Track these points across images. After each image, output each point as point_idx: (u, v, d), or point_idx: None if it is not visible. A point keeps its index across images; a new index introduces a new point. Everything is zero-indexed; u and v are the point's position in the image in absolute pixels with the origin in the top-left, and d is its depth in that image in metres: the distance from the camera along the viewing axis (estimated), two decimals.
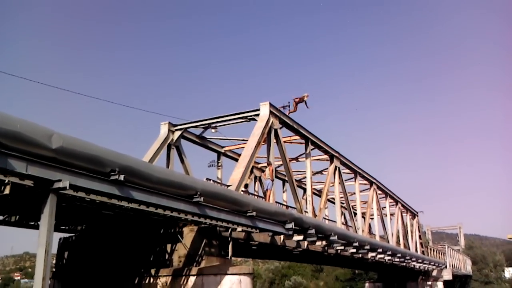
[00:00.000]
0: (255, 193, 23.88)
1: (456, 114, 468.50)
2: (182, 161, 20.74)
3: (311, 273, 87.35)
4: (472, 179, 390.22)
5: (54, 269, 15.74)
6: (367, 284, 51.46)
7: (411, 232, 41.63)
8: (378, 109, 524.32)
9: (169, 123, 20.05)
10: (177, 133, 20.29)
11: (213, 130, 20.35)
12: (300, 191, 25.42)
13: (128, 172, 8.49)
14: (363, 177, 29.90)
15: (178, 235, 13.27)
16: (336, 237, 18.93)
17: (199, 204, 10.52)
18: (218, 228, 13.53)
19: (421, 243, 44.04)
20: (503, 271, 71.67)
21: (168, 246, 13.68)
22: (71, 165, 7.61)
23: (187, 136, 21.11)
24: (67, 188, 7.27)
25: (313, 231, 16.44)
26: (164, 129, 19.99)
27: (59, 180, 7.25)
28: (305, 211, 21.31)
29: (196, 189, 10.30)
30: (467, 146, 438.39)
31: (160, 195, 9.53)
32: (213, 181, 15.75)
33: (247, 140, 17.87)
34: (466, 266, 65.45)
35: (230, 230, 13.71)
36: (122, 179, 8.30)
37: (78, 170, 7.74)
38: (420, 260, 38.41)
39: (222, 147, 23.72)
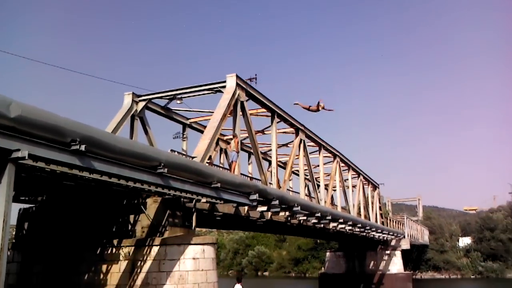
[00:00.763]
0: (221, 165, 23.94)
1: (417, 91, 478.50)
2: (146, 132, 20.50)
3: (275, 243, 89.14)
4: (432, 154, 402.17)
5: (14, 240, 15.48)
6: (328, 253, 52.90)
7: (372, 203, 42.86)
8: (343, 85, 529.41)
9: (133, 93, 19.70)
10: (141, 104, 19.98)
11: (178, 102, 20.13)
12: (265, 164, 25.64)
13: (90, 142, 8.34)
14: (327, 150, 30.39)
15: (142, 206, 13.24)
16: (299, 208, 19.31)
17: (163, 175, 10.48)
18: (182, 199, 13.56)
19: (381, 214, 45.43)
20: (458, 241, 75.02)
21: (131, 217, 13.64)
22: (31, 135, 7.42)
23: (151, 107, 20.82)
24: (26, 157, 7.10)
25: (277, 202, 16.69)
26: (127, 100, 19.64)
27: (18, 150, 7.07)
28: (270, 183, 21.56)
29: (160, 160, 10.24)
30: (426, 123, 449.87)
31: (122, 166, 9.43)
32: (178, 152, 15.67)
33: (213, 112, 17.80)
34: (424, 236, 68.13)
35: (194, 201, 13.77)
36: (83, 149, 8.16)
37: (38, 140, 7.56)
38: (379, 230, 39.70)
39: (188, 119, 23.54)
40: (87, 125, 8.59)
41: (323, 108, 21.50)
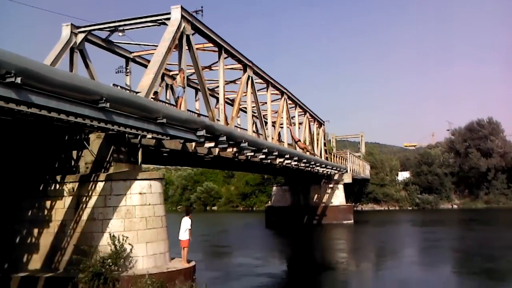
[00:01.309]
0: (167, 101, 23.57)
1: (360, 29, 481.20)
2: (86, 65, 19.66)
3: (223, 179, 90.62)
4: (375, 92, 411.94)
5: None
6: (274, 188, 54.63)
7: (317, 140, 44.02)
8: (289, 24, 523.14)
9: (72, 24, 18.67)
10: (81, 36, 19.01)
11: (120, 34, 19.29)
12: (212, 100, 25.48)
13: (26, 74, 7.94)
14: (274, 87, 30.47)
15: (84, 142, 12.98)
16: (246, 144, 19.56)
17: (105, 110, 10.19)
18: (126, 135, 13.38)
19: (325, 150, 46.85)
20: (397, 175, 79.06)
21: (74, 153, 13.39)
22: None
23: (92, 40, 19.85)
24: None
25: (224, 138, 16.79)
26: (66, 31, 18.61)
27: None
28: (217, 120, 21.56)
29: (101, 94, 9.92)
30: (369, 62, 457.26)
31: (62, 99, 9.08)
32: (121, 87, 15.21)
33: (157, 46, 17.25)
34: (365, 171, 71.23)
35: (139, 137, 13.63)
36: (19, 82, 7.78)
37: None
38: (324, 165, 41.09)
39: (131, 52, 22.70)
40: (22, 57, 8.14)
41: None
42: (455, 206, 72.29)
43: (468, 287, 18.64)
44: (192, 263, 13.87)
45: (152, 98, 15.46)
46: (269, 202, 58.53)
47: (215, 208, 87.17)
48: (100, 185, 12.65)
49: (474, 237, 35.25)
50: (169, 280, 11.10)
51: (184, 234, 14.13)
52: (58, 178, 13.18)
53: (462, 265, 24.71)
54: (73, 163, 13.43)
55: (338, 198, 50.46)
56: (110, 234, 12.08)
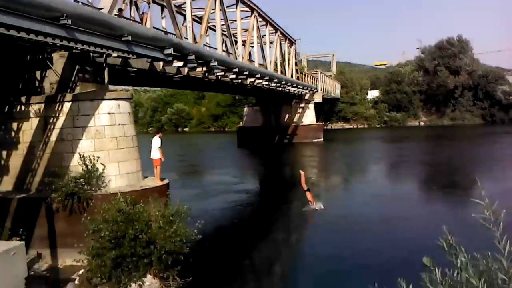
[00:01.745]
0: (131, 19, 22.62)
1: None
2: None
3: (194, 100, 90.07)
4: (346, 10, 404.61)
5: None
6: (246, 108, 54.73)
7: (288, 59, 43.57)
8: None
9: None
10: None
11: None
12: (180, 18, 24.57)
13: None
14: (244, 4, 29.50)
15: (48, 61, 12.51)
16: (216, 63, 19.22)
17: (67, 27, 9.71)
18: (91, 53, 12.94)
19: (296, 70, 46.56)
20: (367, 94, 80.00)
21: (38, 73, 12.92)
22: None
23: None
24: None
25: (193, 57, 16.41)
26: None
27: None
28: (185, 38, 20.94)
29: (62, 10, 9.39)
30: None
31: (21, 16, 8.60)
32: (82, 3, 14.45)
33: None
34: (336, 90, 71.76)
35: (104, 55, 13.19)
36: None
37: None
38: (295, 85, 41.10)
39: None
40: None
41: None
42: (422, 124, 74.39)
43: (435, 198, 19.64)
44: (166, 181, 14.08)
45: (115, 15, 14.80)
46: (241, 122, 58.87)
47: (186, 129, 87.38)
48: (67, 105, 12.38)
49: (439, 152, 36.71)
50: (143, 197, 11.27)
51: (155, 152, 14.23)
52: (23, 99, 12.81)
53: (429, 178, 25.93)
54: (37, 84, 13.01)
55: (309, 117, 51.11)
56: (80, 155, 12.03)
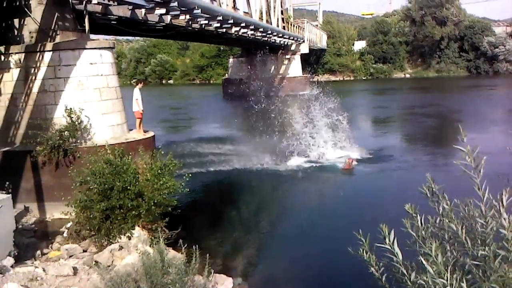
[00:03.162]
0: None
1: None
2: None
3: (177, 51, 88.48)
4: None
5: None
6: (231, 59, 53.98)
7: (274, 8, 42.64)
8: None
9: None
10: None
11: None
12: None
13: None
14: None
15: (25, 9, 12.06)
16: (199, 11, 18.76)
17: None
18: (70, 0, 12.52)
19: (282, 19, 45.71)
20: (353, 45, 79.17)
21: (16, 21, 12.48)
22: None
23: None
24: None
25: (175, 3, 15.97)
26: None
27: None
28: None
29: None
30: None
31: None
32: None
33: None
34: (322, 41, 70.91)
35: (84, 2, 12.77)
36: None
37: None
38: (280, 35, 40.49)
39: None
40: None
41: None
42: (407, 75, 74.40)
43: (419, 148, 19.90)
44: (151, 134, 14.02)
45: None
46: (226, 74, 58.21)
47: (171, 81, 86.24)
48: (48, 55, 12.04)
49: (424, 104, 36.99)
50: (129, 150, 11.24)
51: (135, 105, 14.10)
52: (2, 49, 12.42)
53: (414, 129, 26.25)
54: (16, 33, 12.57)
55: (295, 69, 50.69)
56: (64, 106, 11.83)
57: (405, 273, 2.44)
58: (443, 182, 2.71)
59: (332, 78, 75.59)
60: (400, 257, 2.42)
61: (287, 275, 8.36)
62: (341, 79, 75.01)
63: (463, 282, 2.15)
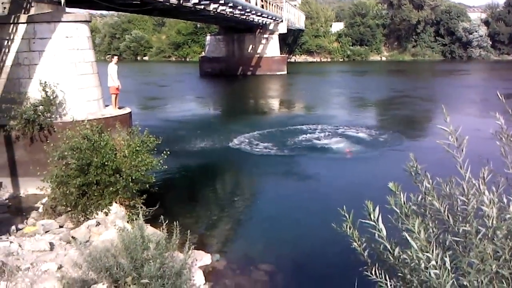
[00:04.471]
0: None
1: None
2: None
3: (153, 27, 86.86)
4: None
5: None
6: (208, 37, 53.35)
7: None
8: None
9: None
10: None
11: None
12: None
13: None
14: None
15: None
16: None
17: None
18: None
19: None
20: (331, 26, 79.07)
21: None
22: None
23: None
24: None
25: None
26: None
27: None
28: None
29: None
30: None
31: None
32: None
33: None
34: (300, 21, 70.59)
35: None
36: None
37: None
38: (259, 14, 40.15)
39: None
40: None
41: None
42: (383, 58, 74.94)
43: (398, 128, 20.12)
44: (128, 110, 13.86)
45: None
46: (203, 52, 57.56)
47: (146, 58, 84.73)
48: (22, 27, 11.69)
49: (398, 86, 37.48)
50: (106, 126, 11.09)
51: (111, 80, 13.91)
52: None
53: (385, 109, 26.63)
54: None
55: (273, 49, 50.45)
56: (39, 80, 11.57)
57: (389, 248, 2.51)
58: (426, 162, 2.79)
59: (310, 59, 75.59)
60: (384, 232, 2.49)
61: (265, 251, 8.48)
62: (318, 60, 75.06)
63: (446, 257, 2.23)
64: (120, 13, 75.81)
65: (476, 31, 69.79)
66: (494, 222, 2.36)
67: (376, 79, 45.47)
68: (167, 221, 5.56)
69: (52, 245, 7.70)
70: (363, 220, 2.54)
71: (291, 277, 7.70)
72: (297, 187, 12.60)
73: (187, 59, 79.38)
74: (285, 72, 49.60)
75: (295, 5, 73.10)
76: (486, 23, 72.82)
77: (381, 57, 75.31)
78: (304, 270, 7.82)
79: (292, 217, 10.23)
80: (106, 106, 13.87)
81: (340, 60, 74.55)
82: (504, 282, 2.25)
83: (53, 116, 11.65)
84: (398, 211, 2.64)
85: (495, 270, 2.30)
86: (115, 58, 14.59)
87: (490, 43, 70.83)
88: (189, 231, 5.64)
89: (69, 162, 8.61)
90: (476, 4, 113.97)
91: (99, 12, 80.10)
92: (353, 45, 75.14)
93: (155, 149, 9.67)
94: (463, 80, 43.20)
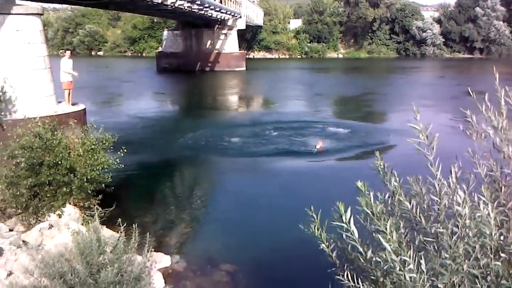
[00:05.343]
0: None
1: None
2: None
3: (108, 21, 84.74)
4: None
5: None
6: (165, 32, 52.50)
7: None
8: None
9: None
10: None
11: None
12: None
13: None
14: None
15: None
16: None
17: None
18: None
19: None
20: (289, 23, 79.60)
21: None
22: None
23: None
24: None
25: None
26: None
27: None
28: None
29: None
30: None
31: None
32: None
33: None
34: (259, 18, 70.61)
35: None
36: None
37: None
38: (218, 9, 39.82)
39: None
40: None
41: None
42: (340, 55, 76.06)
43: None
44: (82, 106, 13.39)
45: None
46: (160, 47, 56.60)
47: (101, 53, 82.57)
48: None
49: (354, 83, 38.11)
50: (59, 123, 10.63)
51: (64, 75, 13.40)
52: None
53: (342, 105, 26.98)
54: None
55: (231, 44, 50.23)
56: None
57: (361, 250, 2.42)
58: (395, 160, 2.72)
59: (268, 55, 75.78)
60: (357, 235, 2.40)
61: (226, 251, 8.33)
62: (277, 57, 75.36)
63: (421, 258, 2.16)
64: (74, 6, 73.63)
65: (429, 29, 71.89)
66: (467, 221, 2.31)
67: (335, 76, 46.09)
68: (124, 223, 5.30)
69: (1, 250, 7.28)
70: (334, 223, 2.44)
71: (253, 277, 7.58)
72: (260, 185, 12.43)
73: (144, 54, 78.00)
74: (244, 68, 49.50)
75: (254, 1, 73.07)
76: (439, 21, 75.16)
77: (338, 54, 76.41)
78: (266, 270, 7.72)
79: (255, 216, 10.11)
80: (59, 102, 13.34)
81: (298, 56, 75.16)
82: (478, 282, 2.21)
83: (2, 113, 11.10)
84: (368, 211, 2.56)
85: (467, 270, 2.25)
86: (68, 52, 14.12)
87: (443, 41, 73.17)
88: (148, 232, 5.41)
89: (20, 162, 8.16)
90: (429, 3, 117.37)
91: (52, 5, 77.53)
92: (310, 42, 75.86)
93: (111, 147, 9.30)
94: (421, 77, 44.38)
